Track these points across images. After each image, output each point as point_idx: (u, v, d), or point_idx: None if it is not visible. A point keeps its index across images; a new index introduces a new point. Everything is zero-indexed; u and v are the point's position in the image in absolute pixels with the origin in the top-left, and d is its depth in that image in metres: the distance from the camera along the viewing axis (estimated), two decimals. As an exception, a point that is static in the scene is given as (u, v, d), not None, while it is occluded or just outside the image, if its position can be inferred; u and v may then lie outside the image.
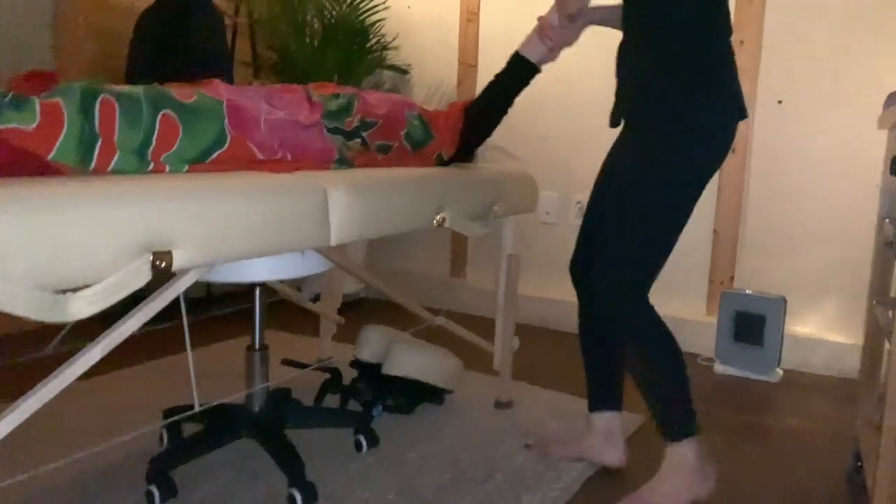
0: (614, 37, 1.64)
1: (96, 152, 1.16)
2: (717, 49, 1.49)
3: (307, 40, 3.13)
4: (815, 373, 2.57)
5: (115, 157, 1.18)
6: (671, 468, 1.55)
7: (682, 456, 1.54)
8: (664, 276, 1.56)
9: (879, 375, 1.82)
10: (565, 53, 1.88)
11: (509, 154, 3.13)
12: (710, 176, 1.54)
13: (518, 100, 1.89)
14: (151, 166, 1.24)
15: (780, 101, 2.59)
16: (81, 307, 0.93)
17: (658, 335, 1.53)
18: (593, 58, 2.93)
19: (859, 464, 1.76)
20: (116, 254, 0.97)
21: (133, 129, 1.20)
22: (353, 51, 3.15)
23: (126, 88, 1.24)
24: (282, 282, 2.45)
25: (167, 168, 1.26)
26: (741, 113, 1.52)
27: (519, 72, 1.84)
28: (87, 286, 0.95)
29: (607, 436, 1.75)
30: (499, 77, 1.86)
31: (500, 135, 3.12)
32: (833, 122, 2.53)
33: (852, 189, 2.50)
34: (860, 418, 1.79)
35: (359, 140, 1.61)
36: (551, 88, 3.01)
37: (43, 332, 1.71)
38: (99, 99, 1.17)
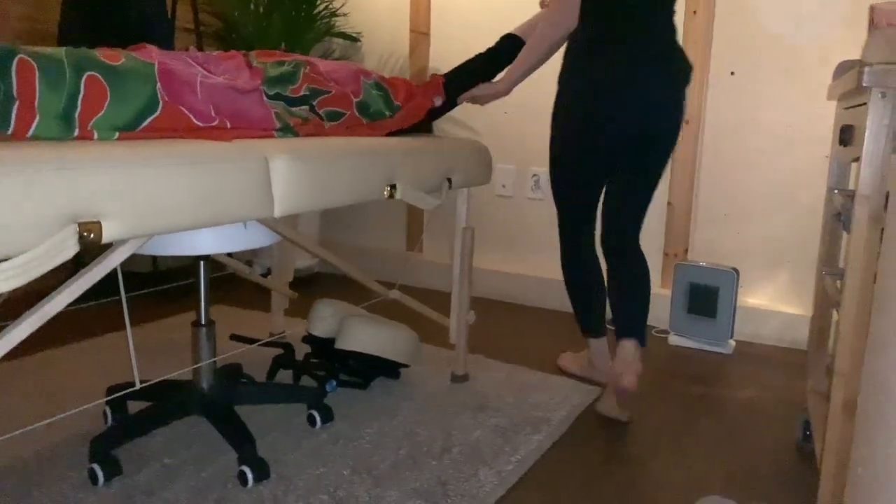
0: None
1: (13, 116, 1.08)
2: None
3: (252, 6, 3.01)
4: (766, 344, 2.61)
5: (36, 122, 1.10)
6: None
7: (590, 351, 2.13)
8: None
9: (828, 345, 1.85)
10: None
11: (464, 125, 3.09)
12: (577, 134, 1.84)
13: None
14: (77, 132, 1.16)
15: (732, 73, 2.59)
16: (-1, 281, 0.87)
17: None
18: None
19: (808, 432, 1.79)
20: (37, 224, 0.90)
21: (55, 93, 1.12)
22: (301, 17, 3.04)
23: (47, 50, 1.15)
24: (230, 255, 2.38)
25: (95, 135, 1.18)
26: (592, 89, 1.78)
27: (509, 52, 1.82)
28: (6, 259, 0.89)
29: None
30: (485, 55, 1.81)
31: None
32: (785, 94, 2.54)
33: (804, 160, 2.53)
34: (809, 387, 1.82)
35: (306, 107, 1.54)
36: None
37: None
38: (16, 59, 1.09)
